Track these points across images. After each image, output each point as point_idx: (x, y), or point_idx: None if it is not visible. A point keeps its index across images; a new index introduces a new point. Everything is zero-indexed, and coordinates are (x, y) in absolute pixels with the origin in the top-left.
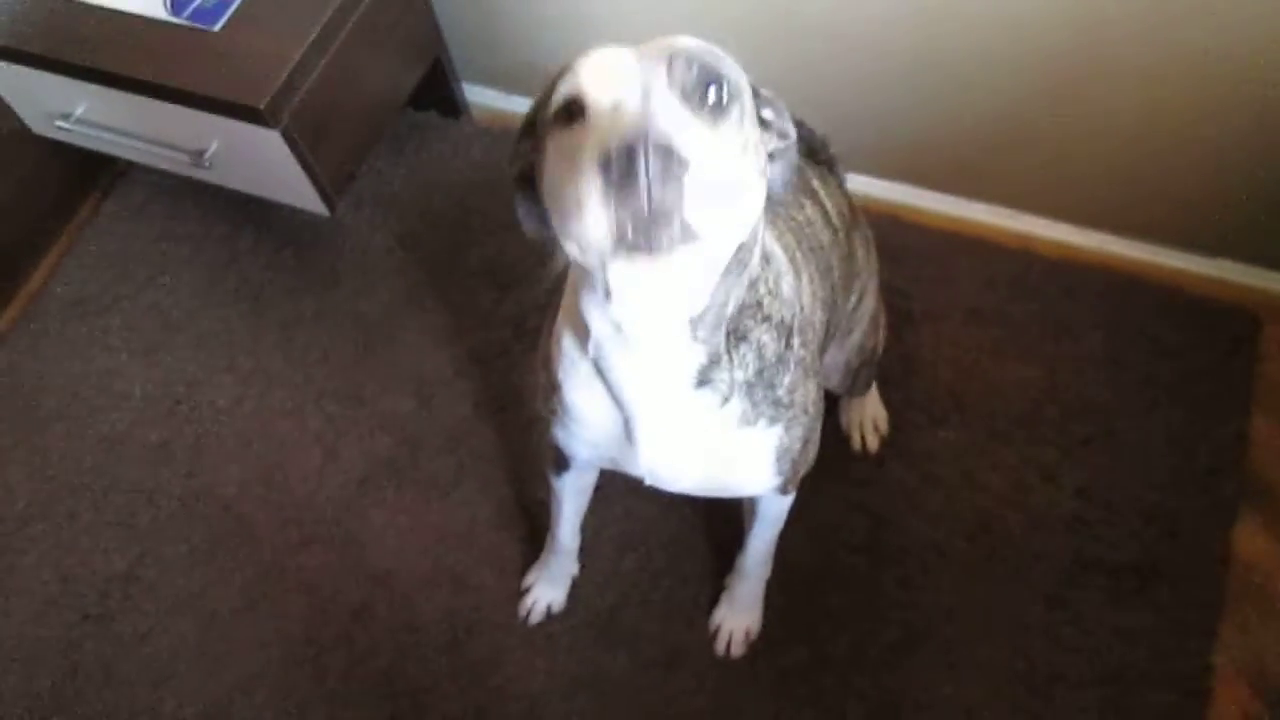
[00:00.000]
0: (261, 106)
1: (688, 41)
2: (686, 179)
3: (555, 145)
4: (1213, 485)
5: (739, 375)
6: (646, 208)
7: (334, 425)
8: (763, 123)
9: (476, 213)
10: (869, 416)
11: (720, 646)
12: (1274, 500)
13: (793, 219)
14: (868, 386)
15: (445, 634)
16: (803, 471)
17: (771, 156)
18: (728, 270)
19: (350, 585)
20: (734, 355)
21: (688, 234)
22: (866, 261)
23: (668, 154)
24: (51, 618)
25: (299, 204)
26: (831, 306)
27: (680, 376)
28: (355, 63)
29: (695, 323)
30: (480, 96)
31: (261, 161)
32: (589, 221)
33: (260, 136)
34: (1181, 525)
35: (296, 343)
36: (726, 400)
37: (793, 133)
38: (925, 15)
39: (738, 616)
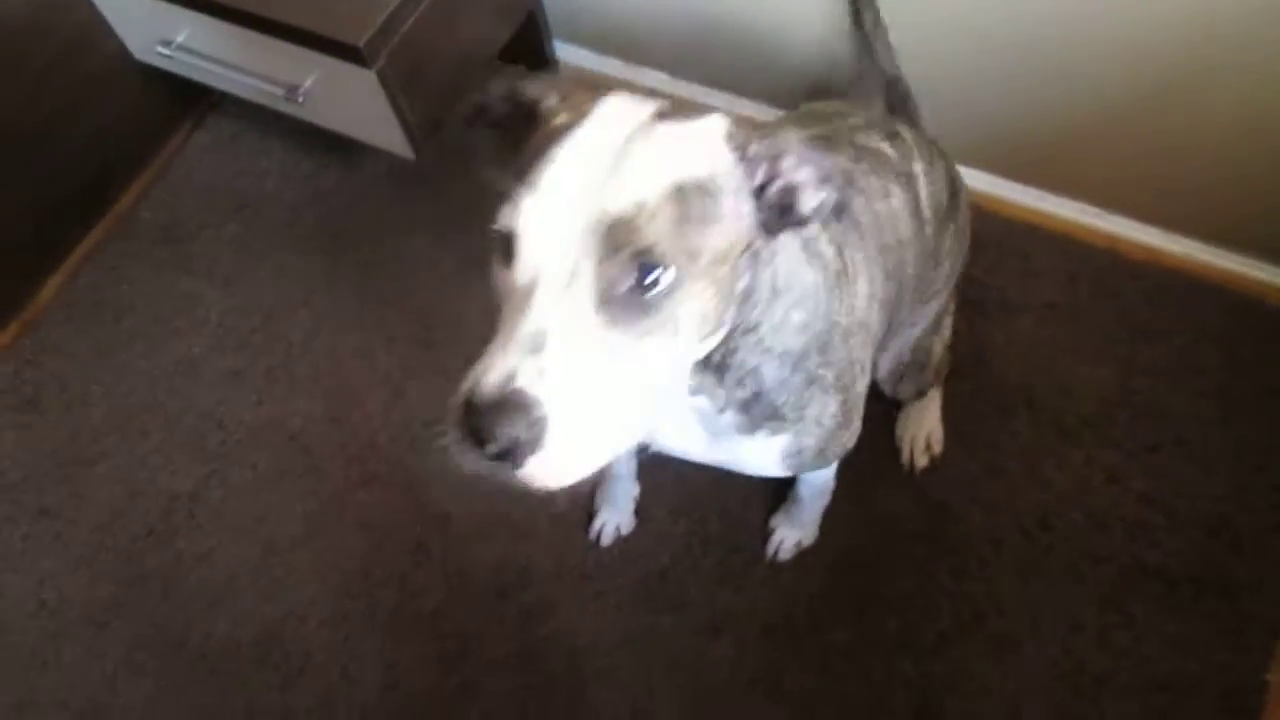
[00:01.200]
0: (361, 45)
1: (647, 196)
2: (530, 449)
3: (493, 263)
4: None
5: (736, 394)
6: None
7: (403, 367)
8: (768, 204)
9: None
10: (923, 433)
11: (770, 549)
12: None
13: (873, 210)
14: (918, 394)
15: (497, 580)
16: (830, 460)
17: (804, 221)
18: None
19: (408, 525)
20: (725, 381)
21: (528, 481)
22: (953, 252)
23: (511, 441)
24: (117, 529)
25: (386, 146)
26: (897, 305)
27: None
28: (453, 11)
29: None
30: (570, 55)
31: (354, 101)
32: (448, 432)
33: (355, 75)
34: (1245, 539)
35: (372, 285)
36: (723, 411)
37: (826, 205)
38: (1027, 3)
39: (793, 528)
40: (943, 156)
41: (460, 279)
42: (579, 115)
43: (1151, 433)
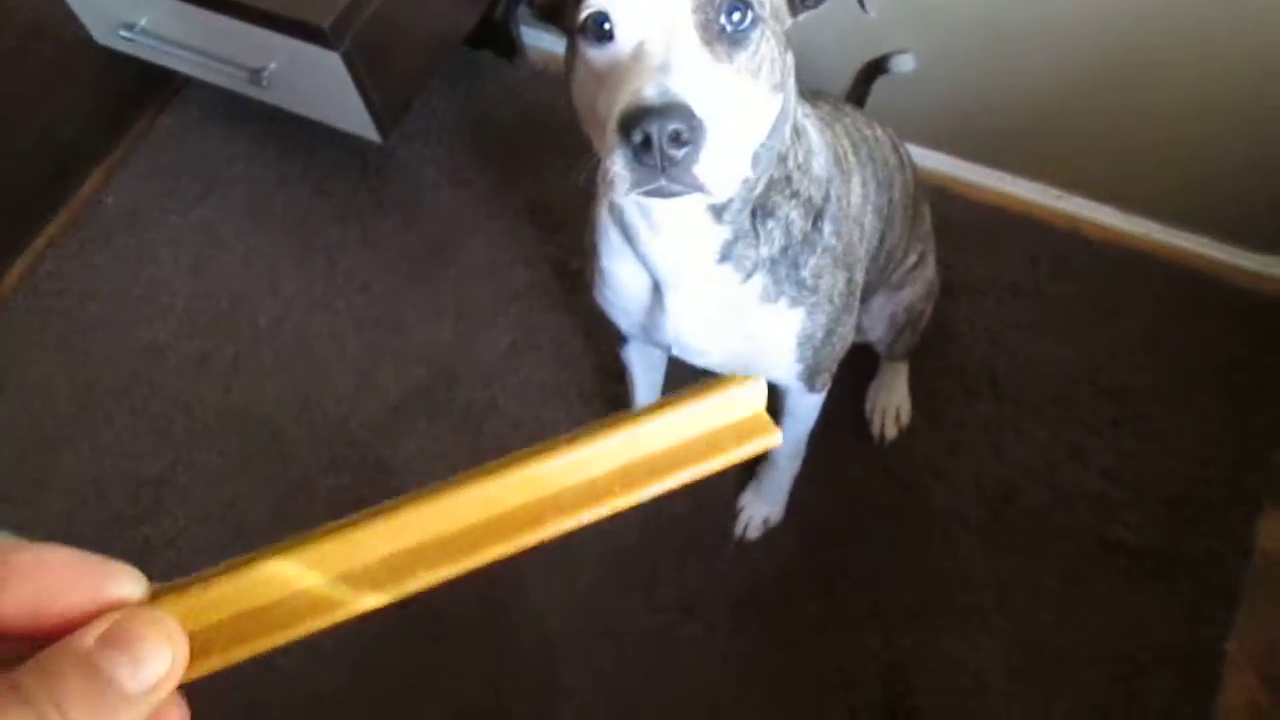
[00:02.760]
0: (325, 26)
1: None
2: (696, 150)
3: (584, 58)
4: (1240, 476)
5: (764, 251)
6: (661, 172)
7: (372, 352)
8: None
9: (525, 154)
10: (893, 405)
11: (739, 529)
12: None
13: (858, 130)
14: (906, 354)
15: None
16: (828, 367)
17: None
18: (755, 158)
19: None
20: (760, 231)
21: (698, 187)
22: (929, 231)
23: (676, 137)
24: (83, 516)
25: (352, 129)
26: (889, 223)
27: (703, 252)
28: None
29: (720, 209)
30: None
31: (319, 83)
32: (611, 164)
33: (320, 57)
34: (1206, 514)
35: (340, 269)
36: (749, 276)
37: None
38: None
39: (761, 504)
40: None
41: (428, 262)
42: None
43: (1114, 410)
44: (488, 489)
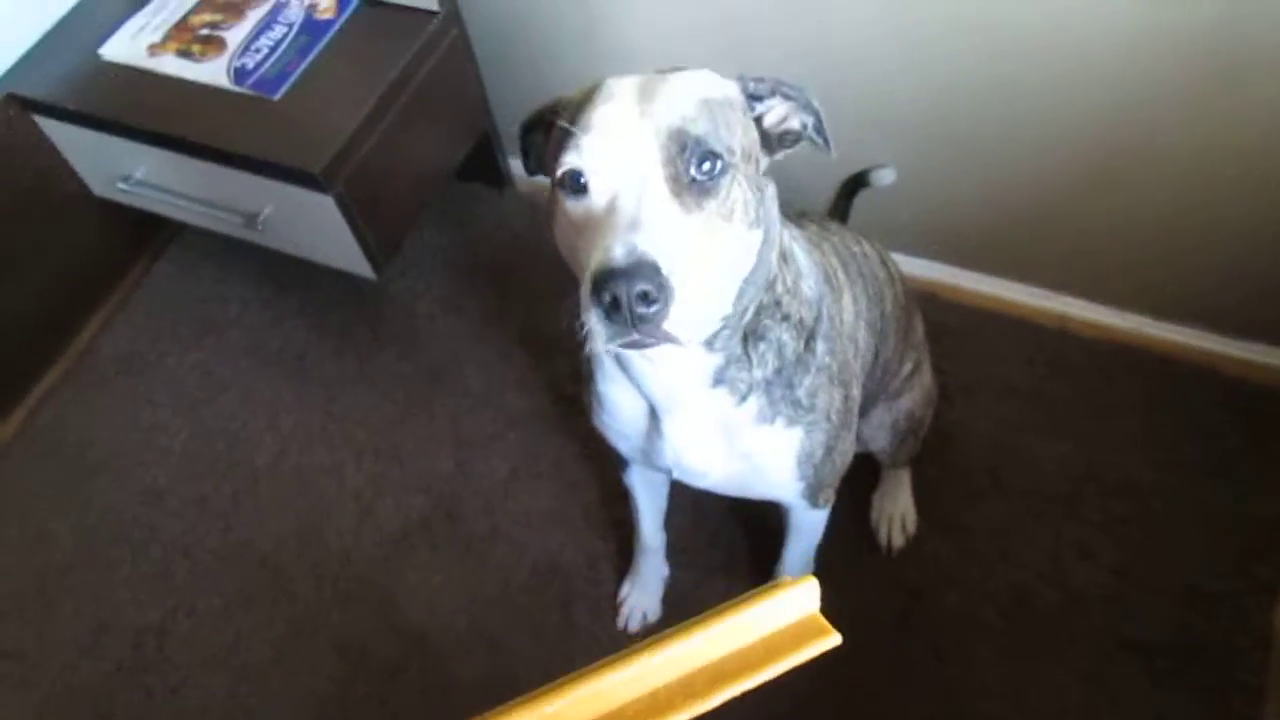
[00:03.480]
0: (317, 172)
1: (685, 109)
2: (665, 306)
3: (563, 207)
4: (1251, 566)
5: (757, 374)
6: (632, 328)
7: (372, 484)
8: (764, 133)
9: (517, 281)
10: (899, 513)
11: None
12: None
13: (846, 247)
14: (909, 459)
15: (480, 697)
16: (830, 483)
17: (796, 139)
18: (740, 292)
19: (384, 644)
20: (752, 355)
21: (670, 339)
22: (923, 339)
23: (645, 296)
24: (85, 667)
25: (347, 268)
26: (882, 336)
27: (697, 378)
28: (408, 134)
29: (711, 337)
30: (524, 170)
31: (313, 226)
32: (587, 319)
33: (314, 201)
34: (1220, 606)
35: (338, 403)
36: (744, 398)
37: (810, 125)
38: (966, 96)
39: None
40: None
41: (426, 392)
42: (592, 86)
43: (1120, 505)
44: (549, 707)
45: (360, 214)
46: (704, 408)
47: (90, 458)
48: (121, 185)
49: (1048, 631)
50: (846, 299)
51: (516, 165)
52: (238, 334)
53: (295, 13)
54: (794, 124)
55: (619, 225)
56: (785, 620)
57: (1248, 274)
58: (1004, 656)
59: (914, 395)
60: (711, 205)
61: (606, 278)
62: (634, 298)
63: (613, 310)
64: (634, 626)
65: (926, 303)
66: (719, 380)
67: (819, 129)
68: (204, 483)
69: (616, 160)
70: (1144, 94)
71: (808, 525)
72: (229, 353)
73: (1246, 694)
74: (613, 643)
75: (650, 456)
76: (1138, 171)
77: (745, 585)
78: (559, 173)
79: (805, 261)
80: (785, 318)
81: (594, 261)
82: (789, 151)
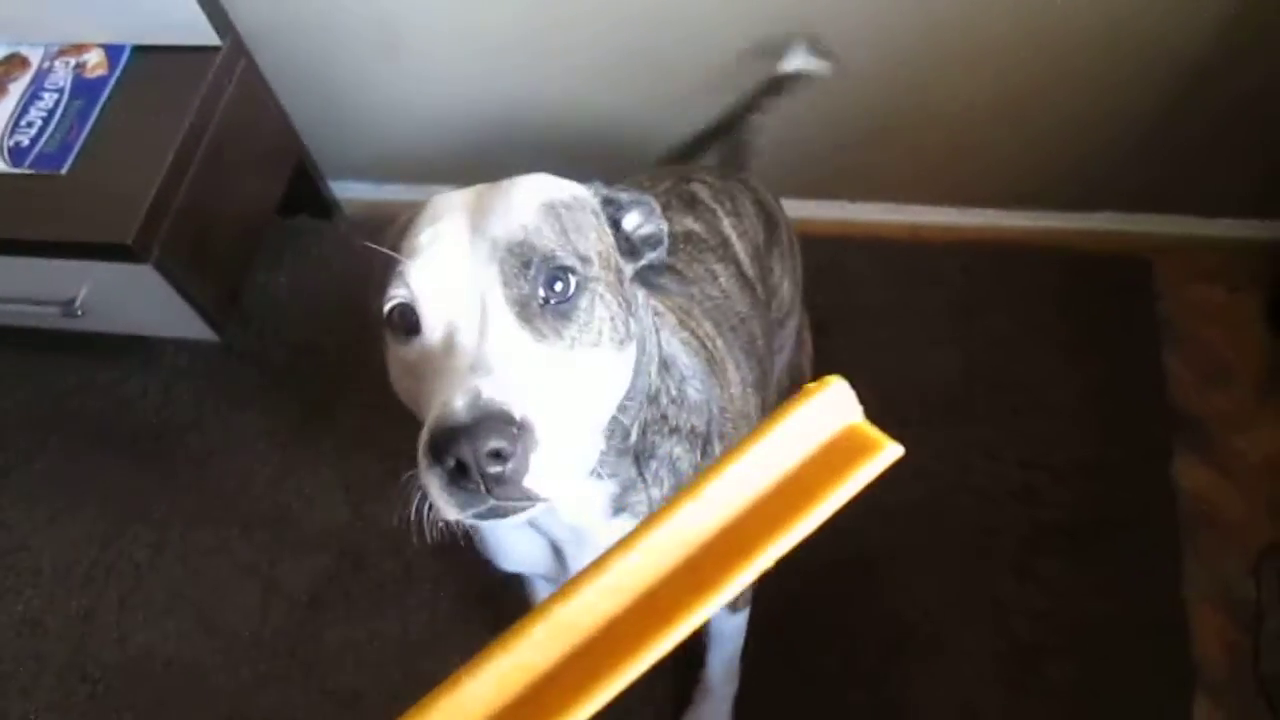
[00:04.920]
0: (129, 241)
1: (524, 217)
2: (524, 459)
3: (394, 351)
4: (1143, 428)
5: (655, 494)
6: (486, 493)
7: (267, 553)
8: (624, 238)
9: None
10: None
11: None
12: (1203, 429)
13: (709, 297)
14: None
15: None
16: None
17: (658, 242)
18: (614, 421)
19: (320, 715)
20: (646, 476)
21: (535, 498)
22: (788, 270)
23: (497, 454)
24: None
25: (186, 334)
26: (762, 379)
27: (594, 510)
28: (218, 180)
29: (597, 468)
30: (349, 192)
31: (138, 298)
32: (428, 488)
33: (133, 273)
34: (1124, 473)
35: (210, 475)
36: None
37: (665, 232)
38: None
39: None
40: (746, 188)
41: (300, 443)
42: (420, 206)
43: (1009, 399)
44: (563, 609)
45: (186, 275)
46: (610, 537)
47: None
48: None
49: (970, 537)
50: (731, 372)
51: (341, 188)
52: (82, 429)
53: (62, 77)
54: (650, 228)
55: (458, 368)
56: (819, 439)
57: (1077, 149)
58: (935, 572)
59: (790, 344)
60: (571, 331)
61: (447, 439)
62: (483, 458)
63: (459, 475)
64: None
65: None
66: (619, 509)
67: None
68: (83, 596)
69: (449, 287)
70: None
71: (728, 631)
72: (78, 451)
73: (1165, 550)
74: None
75: (554, 580)
76: (956, 70)
77: (671, 683)
78: (386, 308)
79: (687, 362)
80: (674, 430)
81: (430, 418)
82: (654, 256)
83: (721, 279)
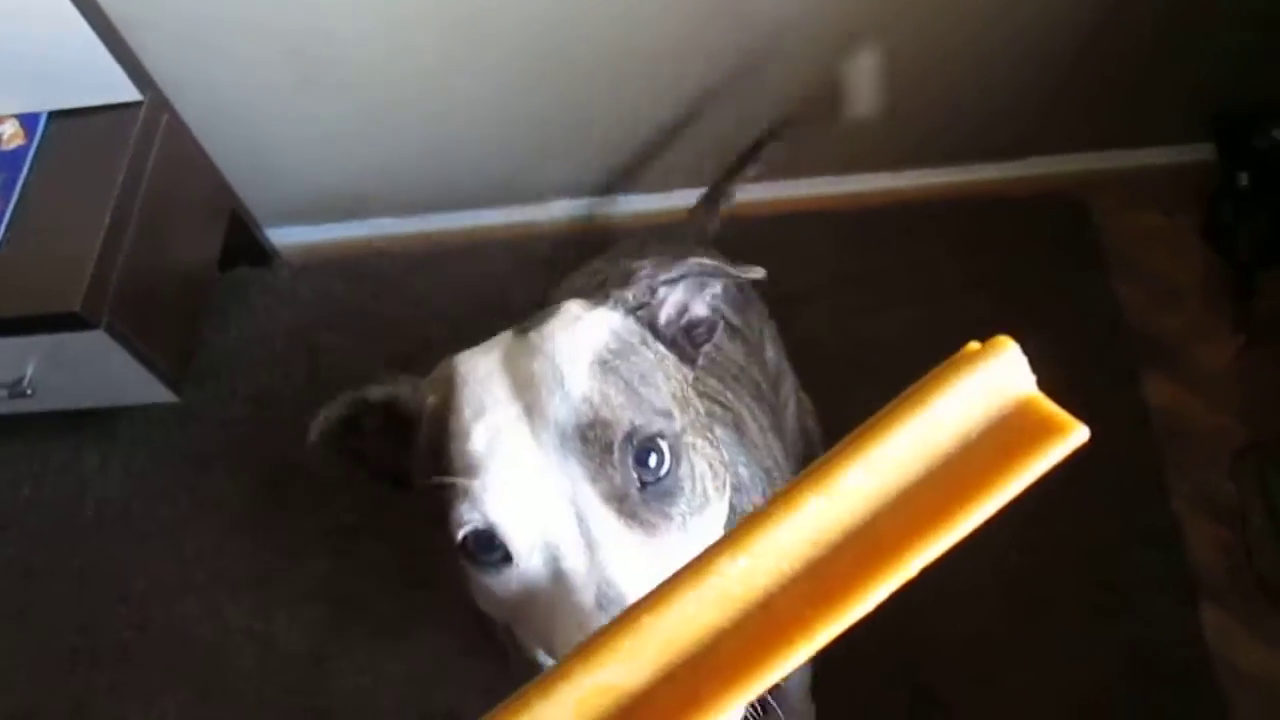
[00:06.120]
0: (78, 309)
1: (581, 388)
2: None
3: (480, 581)
4: (1107, 356)
5: None
6: None
7: (259, 612)
8: (671, 342)
9: (325, 351)
10: None
11: None
12: (1163, 348)
13: (714, 363)
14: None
15: None
16: None
17: (713, 326)
18: None
19: None
20: None
21: None
22: (773, 345)
23: None
24: None
25: (143, 399)
26: (776, 424)
27: None
28: (157, 237)
29: None
30: (286, 237)
31: (91, 368)
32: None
33: (84, 341)
34: (1097, 400)
35: (186, 545)
36: None
37: (708, 271)
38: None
39: None
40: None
41: (273, 495)
42: (446, 385)
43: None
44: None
45: (138, 337)
46: None
47: None
48: None
49: None
50: (749, 422)
51: (278, 234)
52: (39, 517)
53: None
54: (699, 310)
55: (583, 605)
56: (984, 417)
57: (1000, 99)
58: None
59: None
60: (679, 508)
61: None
62: None
63: None
64: None
65: (727, 227)
66: None
67: (725, 282)
68: (70, 687)
69: (533, 503)
70: None
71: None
72: (38, 538)
73: (1148, 469)
74: None
75: None
76: (877, 39)
77: None
78: (459, 536)
79: (729, 439)
80: (742, 515)
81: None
82: (712, 344)
83: (725, 346)
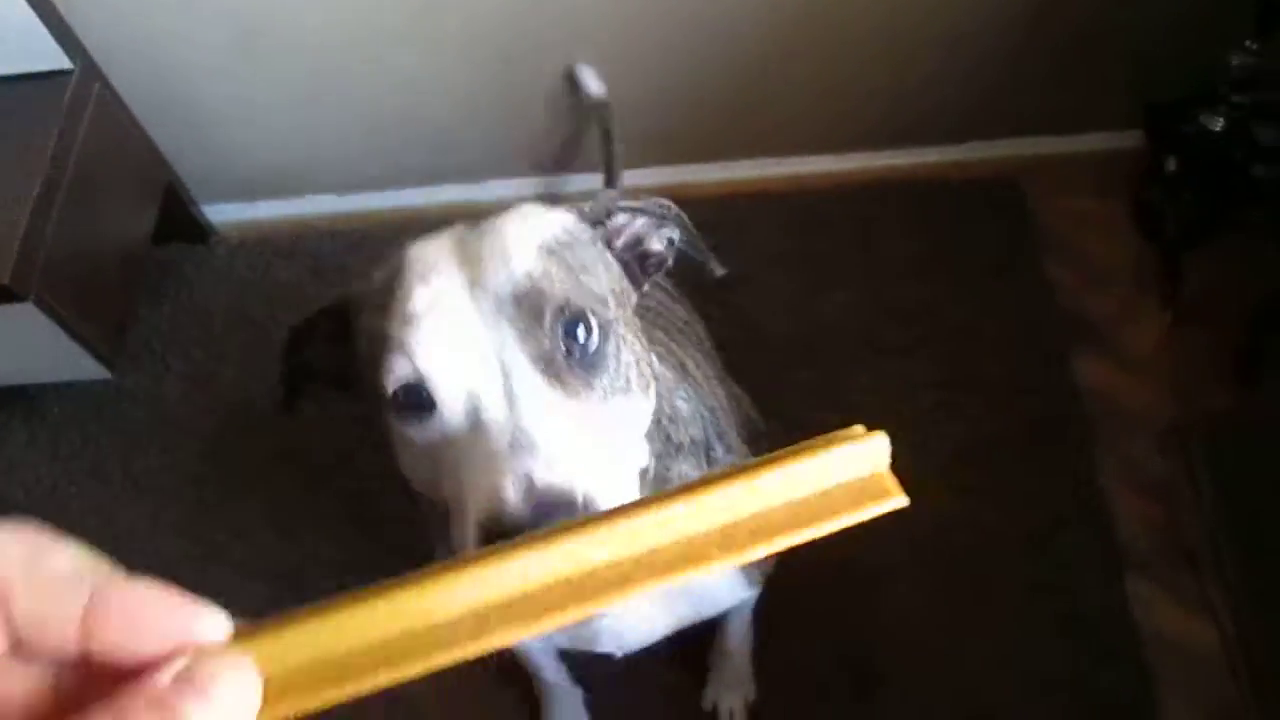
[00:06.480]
0: (6, 281)
1: (526, 264)
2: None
3: (403, 434)
4: (1041, 336)
5: None
6: None
7: (200, 592)
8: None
9: (262, 326)
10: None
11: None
12: (1094, 329)
13: (647, 309)
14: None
15: None
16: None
17: (662, 262)
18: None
19: None
20: None
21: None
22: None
23: (565, 508)
24: None
25: (74, 376)
26: (721, 373)
27: None
28: (89, 209)
29: None
30: (223, 214)
31: (19, 343)
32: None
33: (13, 314)
34: (1031, 379)
35: (119, 524)
36: None
37: (672, 218)
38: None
39: (732, 692)
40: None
41: (213, 473)
42: (395, 265)
43: (918, 329)
44: (577, 544)
45: (69, 310)
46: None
47: None
48: None
49: (902, 461)
50: (694, 370)
51: (215, 211)
52: None
53: None
54: (654, 244)
55: (496, 449)
56: (846, 475)
57: (938, 86)
58: None
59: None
60: (602, 381)
61: (506, 535)
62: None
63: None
64: None
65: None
66: None
67: (690, 243)
68: None
69: (461, 355)
70: None
71: (745, 602)
72: None
73: (1079, 445)
74: None
75: (577, 646)
76: (816, 25)
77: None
78: (390, 390)
79: (669, 375)
80: (679, 448)
81: (475, 510)
82: (656, 279)
83: (657, 293)
